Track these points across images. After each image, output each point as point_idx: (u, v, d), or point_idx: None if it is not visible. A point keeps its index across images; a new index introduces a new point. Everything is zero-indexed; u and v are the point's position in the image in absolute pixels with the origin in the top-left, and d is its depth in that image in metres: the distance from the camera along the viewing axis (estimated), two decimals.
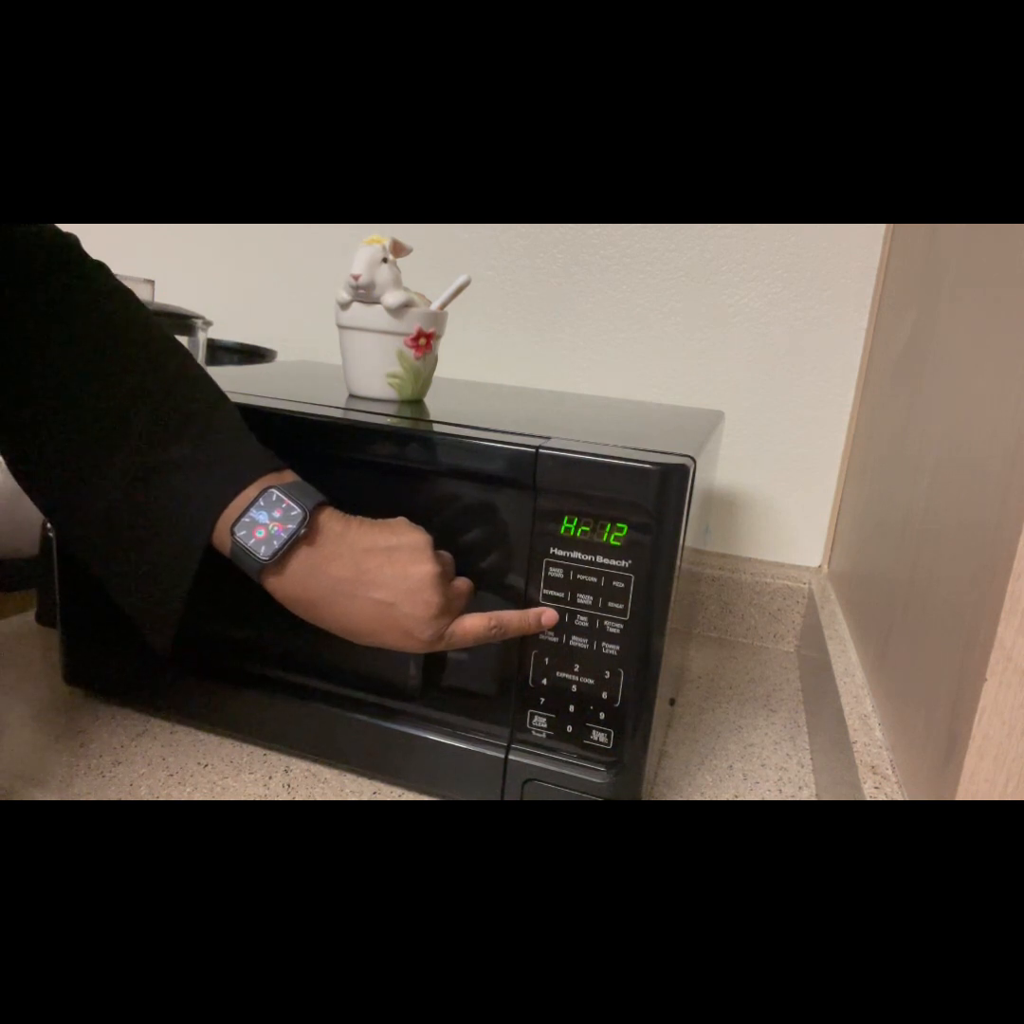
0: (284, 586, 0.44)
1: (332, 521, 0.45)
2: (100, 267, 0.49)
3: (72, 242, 0.48)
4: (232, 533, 0.42)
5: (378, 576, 0.44)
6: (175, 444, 0.44)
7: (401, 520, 0.47)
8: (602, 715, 0.48)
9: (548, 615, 0.47)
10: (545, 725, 0.49)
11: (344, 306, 0.55)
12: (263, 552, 0.42)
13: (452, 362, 0.82)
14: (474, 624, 0.46)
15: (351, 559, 0.44)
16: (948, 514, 0.43)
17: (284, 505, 0.43)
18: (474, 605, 0.48)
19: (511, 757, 0.50)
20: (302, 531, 0.43)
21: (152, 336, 0.47)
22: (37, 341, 0.44)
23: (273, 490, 0.43)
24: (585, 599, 0.46)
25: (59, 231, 0.48)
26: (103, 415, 0.43)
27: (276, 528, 0.42)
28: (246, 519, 0.42)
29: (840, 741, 0.51)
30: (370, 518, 0.46)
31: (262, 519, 0.43)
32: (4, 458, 0.45)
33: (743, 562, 0.87)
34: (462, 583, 0.48)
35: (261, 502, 0.43)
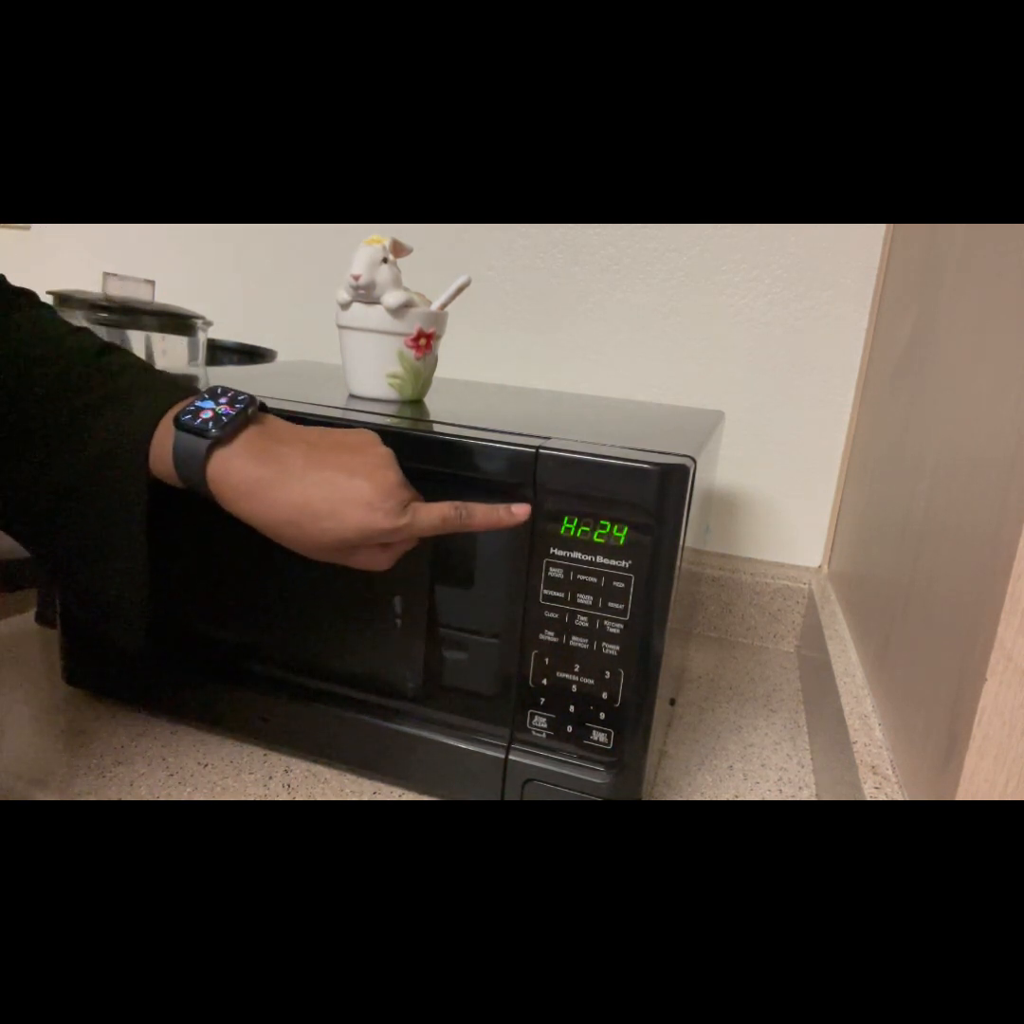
0: (233, 466, 0.41)
1: (277, 419, 0.45)
2: (19, 294, 0.49)
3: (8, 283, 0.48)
4: (176, 421, 0.41)
5: (333, 455, 0.42)
6: (112, 382, 0.43)
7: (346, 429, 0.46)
8: (602, 715, 0.48)
9: (519, 507, 0.45)
10: (545, 725, 0.49)
11: (344, 306, 0.55)
12: (212, 427, 0.41)
13: (452, 362, 0.82)
14: (439, 505, 0.44)
15: (304, 443, 0.43)
16: (948, 514, 0.43)
17: (231, 393, 0.43)
18: (475, 604, 0.48)
19: (511, 757, 0.50)
20: (251, 411, 0.42)
21: (78, 329, 0.47)
22: None
23: (217, 386, 0.43)
24: (585, 599, 0.46)
25: None
26: (32, 382, 0.43)
27: (224, 409, 0.42)
28: (190, 408, 0.42)
29: (840, 741, 0.51)
30: None
31: (208, 405, 0.42)
32: None
33: (743, 562, 0.87)
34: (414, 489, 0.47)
35: (205, 394, 0.43)
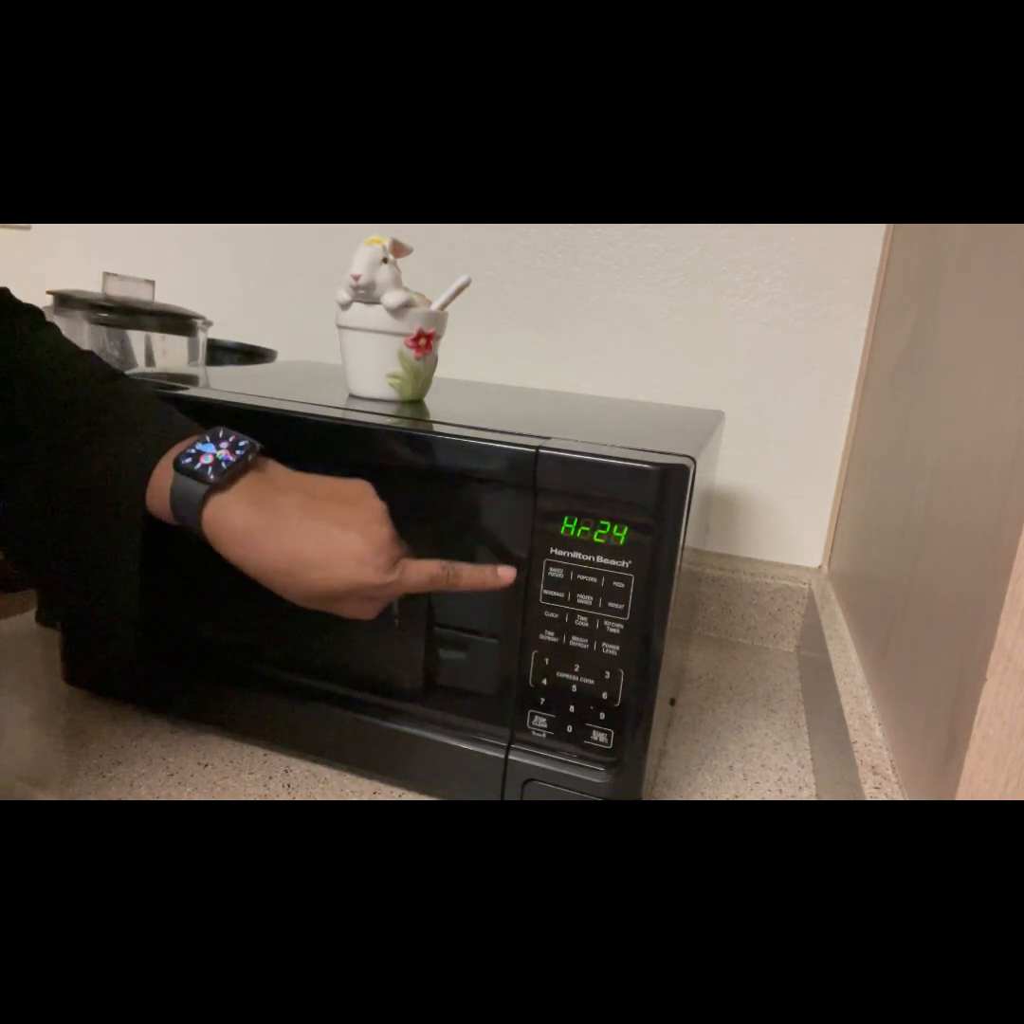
0: (229, 513, 0.41)
1: (277, 464, 0.45)
2: (29, 312, 0.49)
3: (11, 296, 0.49)
4: (175, 464, 0.42)
5: (328, 507, 0.43)
6: (115, 411, 0.44)
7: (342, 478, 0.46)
8: (602, 715, 0.48)
9: (504, 570, 0.46)
10: (545, 725, 0.49)
11: (344, 306, 0.55)
12: (210, 473, 0.41)
13: (452, 362, 0.82)
14: (428, 564, 0.44)
15: (300, 491, 0.43)
16: (948, 514, 0.43)
17: (232, 438, 0.43)
18: (471, 609, 0.48)
19: (511, 757, 0.50)
20: (251, 458, 0.43)
21: (85, 352, 0.48)
22: None
23: (219, 428, 0.44)
24: (585, 599, 0.46)
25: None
26: (35, 405, 0.44)
27: (224, 453, 0.42)
28: (191, 451, 0.42)
29: (840, 741, 0.51)
30: None
31: (209, 449, 0.42)
32: None
33: (743, 562, 0.87)
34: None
35: (207, 437, 0.43)
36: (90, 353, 0.49)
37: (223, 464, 0.42)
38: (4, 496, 0.45)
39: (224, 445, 0.43)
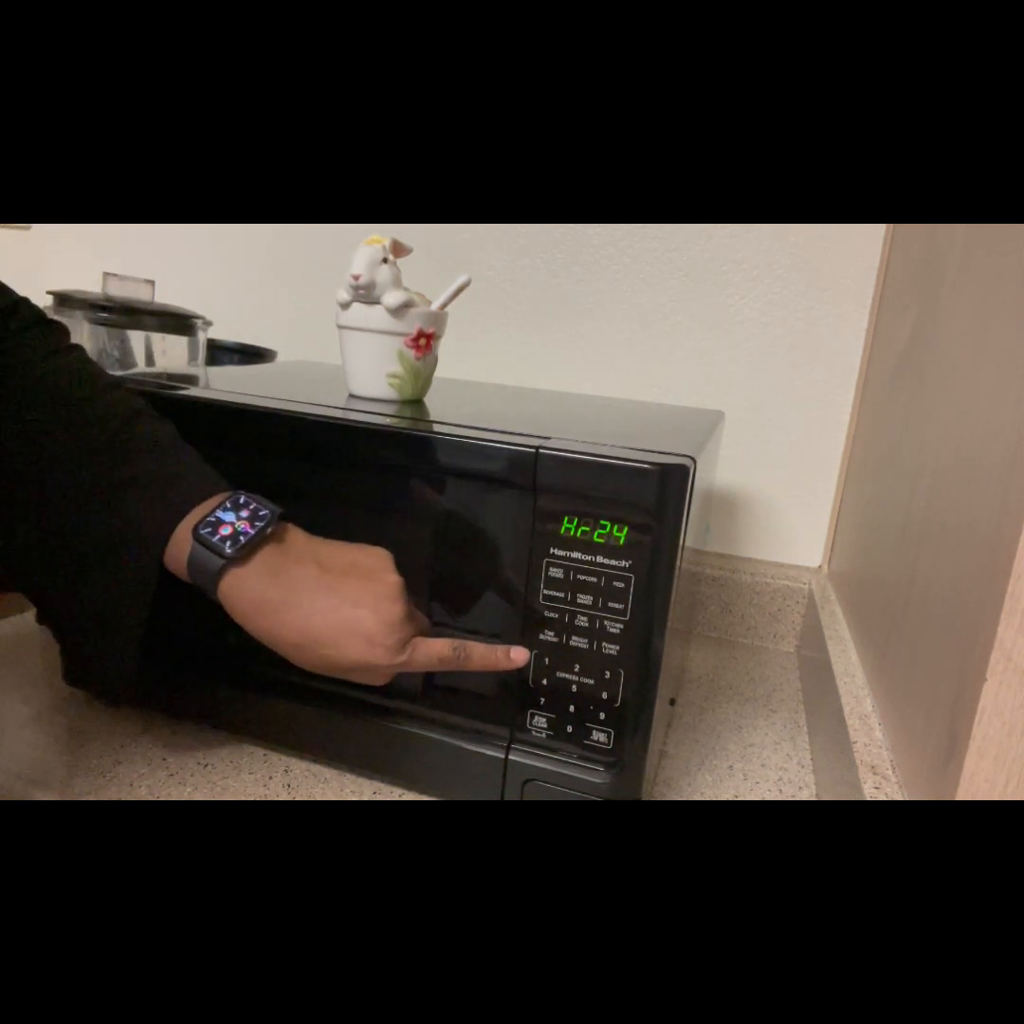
0: (245, 587, 0.42)
1: (296, 531, 0.45)
2: (64, 330, 0.49)
3: (36, 307, 0.49)
4: (194, 532, 0.42)
5: (342, 582, 0.43)
6: (136, 464, 0.44)
7: (362, 544, 0.46)
8: (602, 715, 0.48)
9: (517, 651, 0.46)
10: (545, 725, 0.49)
11: (344, 306, 0.55)
12: (228, 547, 0.41)
13: (452, 362, 0.82)
14: (438, 644, 0.44)
15: (316, 564, 0.43)
16: (948, 514, 0.43)
17: (253, 507, 0.43)
18: (472, 615, 0.48)
19: (511, 757, 0.50)
20: (269, 530, 0.42)
21: (110, 384, 0.47)
22: None
23: (240, 495, 0.43)
24: (585, 599, 0.46)
25: (21, 298, 0.48)
26: (56, 444, 0.44)
27: (243, 526, 0.42)
28: (210, 519, 0.42)
29: (840, 741, 0.51)
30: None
31: (228, 518, 0.42)
32: None
33: (743, 562, 0.87)
34: (421, 614, 0.48)
35: (228, 504, 0.43)
36: (115, 384, 0.48)
37: (241, 537, 0.41)
38: (8, 536, 0.45)
39: (244, 515, 0.42)
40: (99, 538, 0.43)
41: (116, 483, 0.43)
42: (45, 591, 0.46)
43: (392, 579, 0.44)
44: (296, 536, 0.44)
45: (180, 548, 0.42)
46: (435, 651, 0.44)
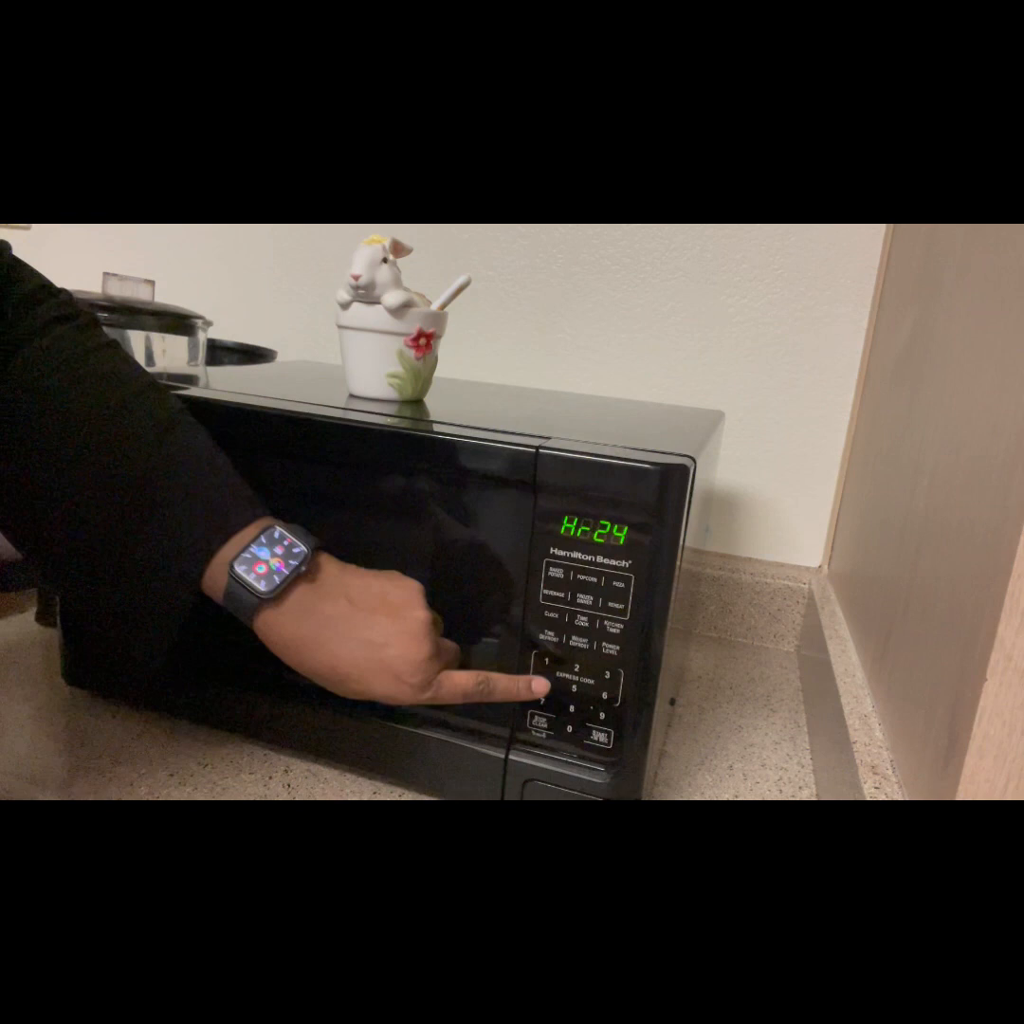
0: (278, 624, 0.43)
1: (329, 563, 0.45)
2: (95, 324, 0.48)
3: (69, 300, 0.48)
4: (230, 568, 0.42)
5: (371, 618, 0.43)
6: (171, 485, 0.44)
7: (395, 571, 0.47)
8: (602, 715, 0.48)
9: (538, 682, 0.47)
10: (545, 725, 0.49)
11: (344, 306, 0.55)
12: (263, 586, 0.42)
13: (452, 362, 0.82)
14: (463, 678, 0.45)
15: (346, 599, 0.44)
16: (948, 514, 0.43)
17: (287, 543, 0.43)
18: (474, 624, 0.48)
19: (511, 757, 0.50)
20: (304, 568, 0.43)
21: (144, 387, 0.47)
22: (23, 387, 0.43)
23: (275, 528, 0.43)
24: (585, 599, 0.46)
25: (57, 289, 0.48)
26: (89, 457, 0.43)
27: (278, 564, 0.42)
28: (246, 554, 0.42)
29: (840, 741, 0.51)
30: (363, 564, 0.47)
31: (263, 555, 0.42)
32: None
33: (743, 562, 0.87)
34: (450, 643, 0.48)
35: (263, 539, 0.43)
36: (150, 385, 0.47)
37: (276, 576, 0.42)
38: (33, 548, 0.45)
39: (279, 551, 0.43)
40: (132, 559, 0.43)
41: (149, 503, 0.43)
42: (73, 596, 0.46)
43: (419, 616, 0.44)
44: (328, 569, 0.45)
45: (215, 581, 0.43)
46: (460, 686, 0.45)
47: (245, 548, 0.43)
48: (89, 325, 0.47)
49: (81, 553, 0.43)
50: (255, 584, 0.42)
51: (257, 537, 0.43)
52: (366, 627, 0.43)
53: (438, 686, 0.44)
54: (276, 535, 0.43)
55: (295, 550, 0.43)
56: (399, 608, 0.44)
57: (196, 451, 0.46)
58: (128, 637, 0.45)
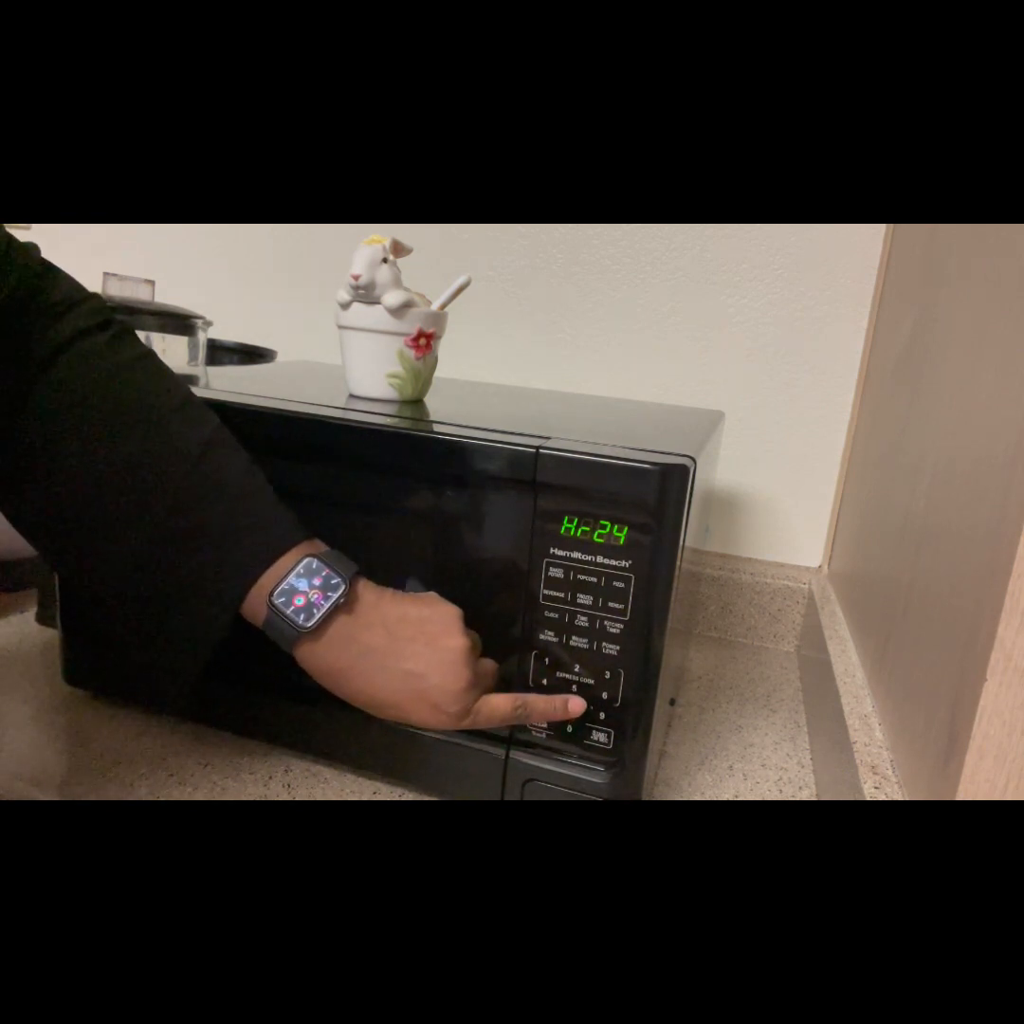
0: (318, 655, 0.43)
1: (367, 591, 0.45)
2: (127, 333, 0.47)
3: (100, 306, 0.47)
4: (270, 599, 0.42)
5: (410, 647, 0.43)
6: (209, 509, 0.43)
7: (433, 594, 0.47)
8: (602, 715, 0.48)
9: (575, 702, 0.47)
10: (545, 725, 0.49)
11: (344, 306, 0.55)
12: (302, 619, 0.42)
13: (452, 362, 0.82)
14: (501, 703, 0.45)
15: (384, 628, 0.44)
16: (948, 514, 0.43)
17: (325, 573, 0.43)
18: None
19: (511, 757, 0.50)
20: (343, 600, 0.43)
21: (181, 403, 0.46)
22: (55, 408, 0.43)
23: (312, 558, 0.43)
24: (585, 599, 0.46)
25: (86, 295, 0.47)
26: (127, 479, 0.43)
27: (316, 596, 0.42)
28: (285, 586, 0.42)
29: (840, 741, 0.51)
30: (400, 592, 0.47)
31: (302, 586, 0.42)
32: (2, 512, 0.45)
33: (743, 562, 0.87)
34: (489, 663, 0.48)
35: (301, 570, 0.43)
36: (186, 401, 0.46)
37: (315, 610, 0.42)
38: (72, 572, 0.44)
39: (317, 583, 0.42)
40: (166, 585, 0.43)
41: (189, 527, 0.43)
42: (113, 617, 0.45)
43: (457, 643, 0.44)
44: (366, 598, 0.44)
45: (255, 608, 0.43)
46: (498, 711, 0.45)
47: (283, 578, 0.42)
48: (120, 335, 0.46)
49: (119, 576, 0.43)
50: (294, 617, 0.42)
51: (295, 566, 0.43)
52: (404, 657, 0.43)
53: (476, 713, 0.44)
54: (313, 566, 0.43)
55: (333, 581, 0.43)
56: (437, 637, 0.44)
57: (236, 471, 0.45)
58: (162, 657, 0.45)
